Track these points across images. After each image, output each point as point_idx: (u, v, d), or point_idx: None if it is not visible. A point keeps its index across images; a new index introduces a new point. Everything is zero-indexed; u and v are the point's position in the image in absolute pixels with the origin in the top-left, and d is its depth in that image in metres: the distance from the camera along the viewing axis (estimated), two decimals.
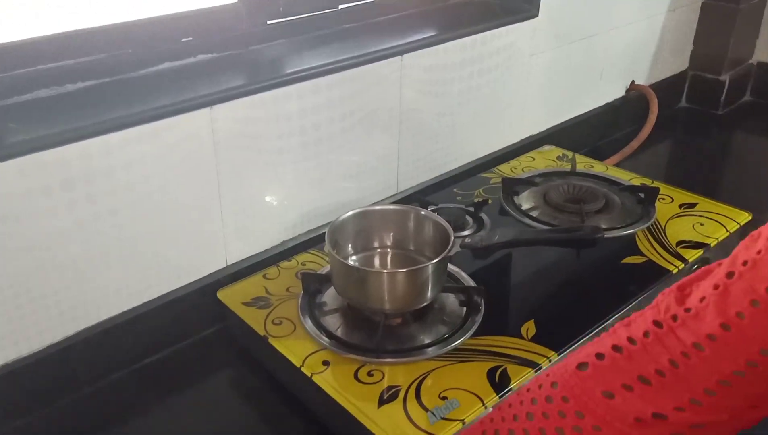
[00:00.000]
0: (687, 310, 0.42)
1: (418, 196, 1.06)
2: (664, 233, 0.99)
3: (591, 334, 0.79)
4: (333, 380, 0.73)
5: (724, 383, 0.40)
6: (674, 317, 0.42)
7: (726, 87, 1.63)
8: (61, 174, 0.73)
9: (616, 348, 0.44)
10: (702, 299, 0.42)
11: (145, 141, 0.78)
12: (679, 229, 1.00)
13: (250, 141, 0.88)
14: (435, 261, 0.78)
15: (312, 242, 0.99)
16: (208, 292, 0.89)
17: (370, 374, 0.74)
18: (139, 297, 0.85)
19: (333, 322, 0.82)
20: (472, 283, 0.88)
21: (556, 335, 0.79)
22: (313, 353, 0.77)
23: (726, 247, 1.00)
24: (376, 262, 0.89)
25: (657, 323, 0.43)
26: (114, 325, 0.83)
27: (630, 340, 0.44)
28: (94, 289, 0.80)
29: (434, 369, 0.74)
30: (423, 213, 0.88)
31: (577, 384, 0.44)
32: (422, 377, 0.73)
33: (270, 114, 0.88)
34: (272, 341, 0.80)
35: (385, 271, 0.84)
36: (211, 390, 0.84)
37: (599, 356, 0.44)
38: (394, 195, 1.10)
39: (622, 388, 0.43)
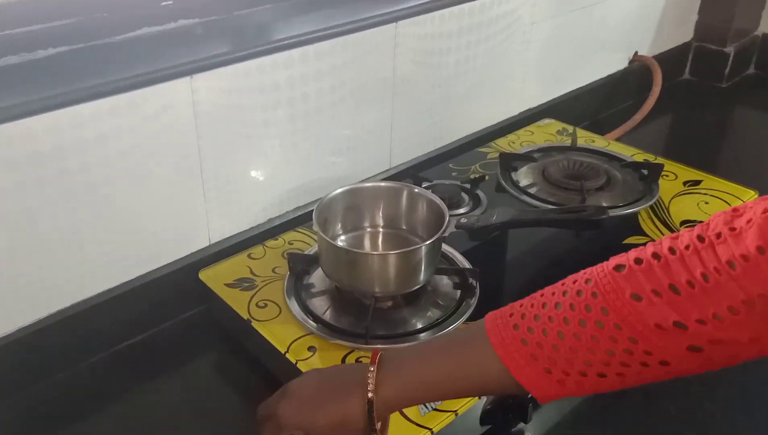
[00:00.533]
0: (732, 229, 0.42)
1: (412, 172, 1.01)
2: (668, 212, 0.95)
3: None
4: (319, 368, 0.69)
5: (749, 304, 0.41)
6: (718, 235, 0.43)
7: (731, 59, 1.58)
8: (29, 147, 0.68)
9: (655, 255, 0.45)
10: (749, 221, 0.42)
11: (120, 112, 0.73)
12: (683, 208, 0.96)
13: (233, 113, 0.83)
14: (428, 242, 0.74)
15: (300, 220, 0.94)
16: (189, 272, 0.85)
17: (358, 361, 0.70)
18: (117, 277, 0.81)
19: (320, 305, 0.78)
20: (467, 264, 0.83)
21: None
22: (298, 338, 0.74)
23: None
24: (367, 242, 0.85)
25: (700, 238, 0.44)
26: (89, 306, 0.78)
27: (671, 250, 0.44)
28: (67, 269, 0.76)
29: None
30: (416, 190, 0.83)
31: (609, 283, 0.45)
32: None
33: (255, 84, 0.83)
34: (256, 325, 0.76)
35: (376, 253, 0.80)
36: (192, 374, 0.80)
37: (638, 261, 0.45)
38: (386, 170, 1.06)
39: (651, 293, 0.43)
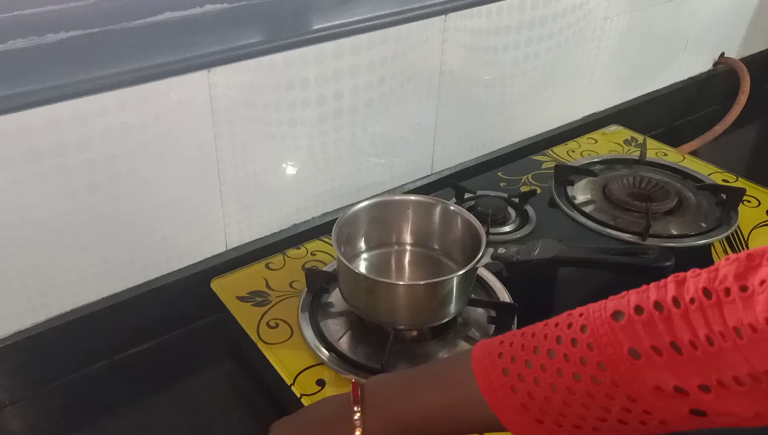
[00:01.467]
0: (743, 288, 0.38)
1: (454, 181, 0.92)
2: (746, 246, 0.83)
3: None
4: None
5: (755, 378, 0.37)
6: (727, 291, 0.38)
7: None
8: (26, 142, 0.62)
9: (657, 306, 0.40)
10: (762, 283, 0.37)
11: (128, 107, 0.67)
12: (765, 242, 0.83)
13: (255, 111, 0.75)
14: (460, 273, 0.64)
15: (326, 227, 0.86)
16: (202, 279, 0.78)
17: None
18: (122, 282, 0.75)
19: (336, 330, 0.71)
20: (505, 293, 0.74)
21: None
22: (307, 369, 0.66)
23: None
24: (392, 262, 0.76)
25: (707, 292, 0.39)
26: (91, 312, 0.73)
27: (675, 301, 0.40)
28: (67, 271, 0.70)
29: None
30: (452, 207, 0.74)
31: (606, 334, 0.42)
32: None
33: (281, 80, 0.75)
34: (263, 349, 0.69)
35: (400, 283, 0.70)
36: (198, 388, 0.74)
37: (638, 310, 0.41)
38: (427, 176, 0.97)
39: (651, 350, 0.40)
